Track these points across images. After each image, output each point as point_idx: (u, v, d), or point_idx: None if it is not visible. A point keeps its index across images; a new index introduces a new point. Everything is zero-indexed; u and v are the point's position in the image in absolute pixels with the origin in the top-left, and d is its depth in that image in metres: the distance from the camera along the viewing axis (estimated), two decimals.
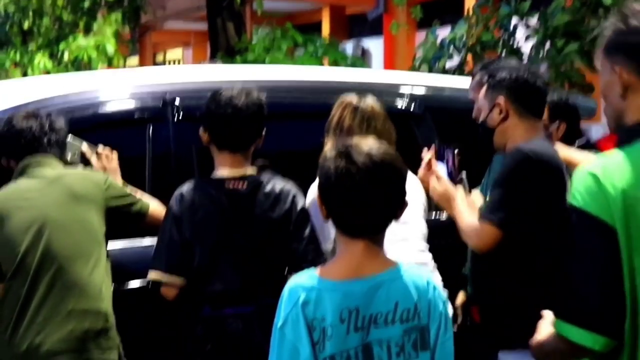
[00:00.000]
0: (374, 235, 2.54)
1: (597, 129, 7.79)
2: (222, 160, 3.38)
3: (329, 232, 3.50)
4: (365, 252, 2.51)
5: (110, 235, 3.45)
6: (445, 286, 3.17)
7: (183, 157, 3.88)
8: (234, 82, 3.72)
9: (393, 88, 4.63)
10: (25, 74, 11.77)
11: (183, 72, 4.56)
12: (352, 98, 3.68)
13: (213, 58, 12.07)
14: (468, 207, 3.46)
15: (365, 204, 2.47)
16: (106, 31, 11.50)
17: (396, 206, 2.53)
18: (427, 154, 3.61)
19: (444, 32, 8.52)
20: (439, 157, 3.68)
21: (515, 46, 7.95)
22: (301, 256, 3.33)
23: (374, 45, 18.68)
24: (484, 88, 3.59)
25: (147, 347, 3.69)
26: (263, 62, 11.53)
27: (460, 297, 3.89)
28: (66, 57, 11.41)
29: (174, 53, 28.79)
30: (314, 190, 3.53)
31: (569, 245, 2.13)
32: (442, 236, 3.92)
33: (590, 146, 4.75)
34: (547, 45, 7.65)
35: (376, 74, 5.88)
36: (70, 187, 3.36)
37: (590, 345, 2.09)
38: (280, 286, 2.75)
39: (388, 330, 2.48)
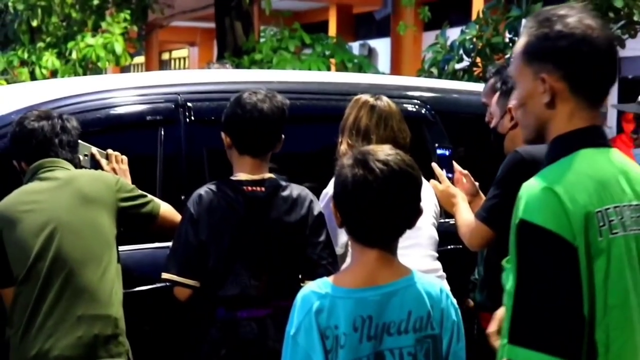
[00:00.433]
0: (388, 244, 2.53)
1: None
2: (242, 164, 3.38)
3: (339, 237, 3.51)
4: (379, 260, 2.51)
5: (121, 237, 3.44)
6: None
7: (195, 160, 3.88)
8: (246, 85, 3.73)
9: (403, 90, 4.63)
10: (32, 73, 11.78)
11: (195, 74, 4.57)
12: (367, 97, 3.67)
13: (221, 58, 12.05)
14: (468, 207, 3.51)
15: (381, 213, 2.46)
16: (114, 30, 11.50)
17: (411, 214, 2.53)
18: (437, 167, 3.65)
19: (451, 33, 8.50)
20: (441, 159, 3.73)
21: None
22: (316, 261, 3.34)
23: (381, 45, 18.69)
24: (497, 94, 3.61)
25: (160, 351, 3.68)
26: (270, 62, 11.52)
27: (468, 303, 3.90)
28: (74, 55, 11.42)
29: (180, 52, 28.82)
30: (326, 195, 3.53)
31: (522, 264, 2.01)
32: (448, 242, 3.94)
33: None
34: None
35: (389, 79, 5.88)
36: (81, 190, 3.35)
37: None
38: (294, 290, 2.77)
39: (401, 339, 2.48)
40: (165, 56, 29.42)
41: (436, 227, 3.78)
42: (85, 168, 3.58)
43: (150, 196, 3.54)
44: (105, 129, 3.84)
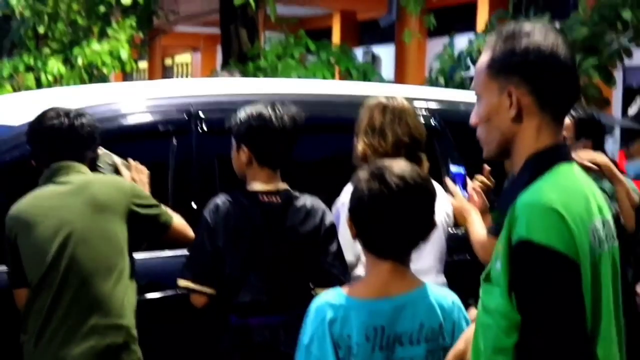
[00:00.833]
0: (402, 256, 2.58)
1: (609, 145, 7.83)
2: (258, 175, 3.42)
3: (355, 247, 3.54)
4: (393, 272, 2.55)
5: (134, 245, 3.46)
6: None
7: (206, 169, 3.91)
8: (258, 96, 3.77)
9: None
10: (38, 79, 11.80)
11: (207, 85, 4.59)
12: (379, 98, 3.69)
13: (225, 64, 12.08)
14: (482, 222, 3.51)
15: (396, 226, 2.51)
16: (120, 37, 11.53)
17: (425, 228, 2.57)
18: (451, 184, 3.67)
19: (455, 41, 8.52)
20: (456, 176, 3.74)
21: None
22: (327, 270, 3.39)
23: (385, 52, 18.69)
24: None
25: (172, 357, 3.71)
26: (275, 69, 11.56)
27: (472, 313, 3.91)
28: (79, 62, 11.44)
29: (183, 57, 28.83)
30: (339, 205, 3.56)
31: (528, 286, 1.99)
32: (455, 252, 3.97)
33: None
34: None
35: (396, 88, 5.90)
36: (95, 196, 3.35)
37: None
38: (306, 298, 2.81)
39: (412, 350, 2.52)
40: (168, 61, 29.42)
41: (447, 237, 3.80)
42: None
43: (163, 207, 3.56)
44: (118, 138, 3.86)
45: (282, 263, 3.36)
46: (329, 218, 3.43)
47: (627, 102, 12.43)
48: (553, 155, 2.12)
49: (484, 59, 2.17)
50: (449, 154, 4.45)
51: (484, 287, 2.13)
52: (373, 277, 2.57)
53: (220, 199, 3.37)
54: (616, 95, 11.06)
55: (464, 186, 3.75)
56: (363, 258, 3.43)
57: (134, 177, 3.64)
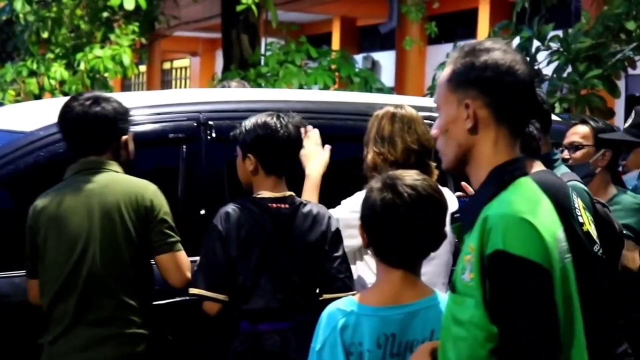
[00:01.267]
0: (413, 265, 2.63)
1: None
2: (265, 183, 3.47)
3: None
4: (404, 280, 2.60)
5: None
6: None
7: (215, 176, 3.95)
8: (267, 104, 3.82)
9: None
10: (41, 84, 11.81)
11: (216, 93, 4.64)
12: (387, 108, 3.72)
13: (226, 70, 12.10)
14: None
15: (408, 236, 2.56)
16: (123, 42, 11.56)
17: (436, 238, 2.62)
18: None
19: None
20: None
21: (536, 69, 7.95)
22: (334, 275, 3.42)
23: (384, 58, 18.75)
24: None
25: None
26: (277, 75, 11.59)
27: None
28: (82, 67, 11.46)
29: (182, 62, 28.84)
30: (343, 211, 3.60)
31: (506, 296, 2.05)
32: None
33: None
34: (569, 68, 7.69)
35: (399, 99, 5.94)
36: (116, 200, 3.33)
37: None
38: (312, 303, 2.84)
39: None
40: (167, 66, 29.43)
41: (453, 248, 3.81)
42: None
43: (177, 236, 3.47)
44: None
45: (292, 269, 3.40)
46: (335, 224, 3.48)
47: (629, 110, 12.44)
48: (515, 169, 2.19)
49: (446, 72, 2.26)
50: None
51: (452, 297, 2.19)
52: (385, 285, 2.62)
53: (231, 207, 3.41)
54: (619, 104, 11.10)
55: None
56: (367, 263, 3.50)
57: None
